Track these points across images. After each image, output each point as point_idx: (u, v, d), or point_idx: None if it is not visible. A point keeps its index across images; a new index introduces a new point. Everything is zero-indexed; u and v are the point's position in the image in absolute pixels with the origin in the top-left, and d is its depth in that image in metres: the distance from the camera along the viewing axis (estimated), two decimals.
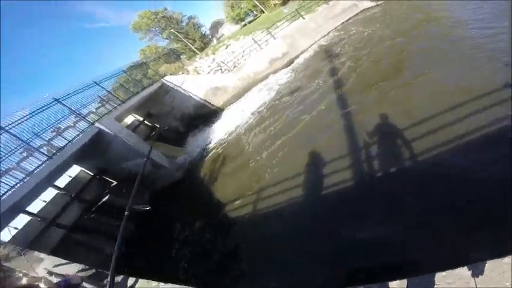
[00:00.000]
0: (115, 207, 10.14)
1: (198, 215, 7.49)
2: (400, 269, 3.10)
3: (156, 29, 45.72)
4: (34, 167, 7.85)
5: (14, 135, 7.88)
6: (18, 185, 7.25)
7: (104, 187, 11.32)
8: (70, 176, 11.32)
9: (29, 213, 8.72)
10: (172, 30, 44.39)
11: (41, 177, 7.60)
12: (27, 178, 7.46)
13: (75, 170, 11.44)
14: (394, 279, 2.07)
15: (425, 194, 3.86)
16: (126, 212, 4.58)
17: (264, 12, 45.12)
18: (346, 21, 15.63)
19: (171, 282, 3.01)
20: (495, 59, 5.30)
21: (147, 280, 3.01)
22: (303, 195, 5.48)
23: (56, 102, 9.48)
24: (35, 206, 9.16)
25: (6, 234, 7.70)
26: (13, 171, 7.62)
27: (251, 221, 5.93)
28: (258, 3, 44.70)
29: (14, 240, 7.13)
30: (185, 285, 2.87)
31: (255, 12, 53.23)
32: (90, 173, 11.58)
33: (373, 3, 16.55)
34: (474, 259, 1.88)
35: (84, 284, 2.14)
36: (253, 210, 6.17)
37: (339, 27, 15.25)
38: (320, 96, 8.71)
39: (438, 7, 9.53)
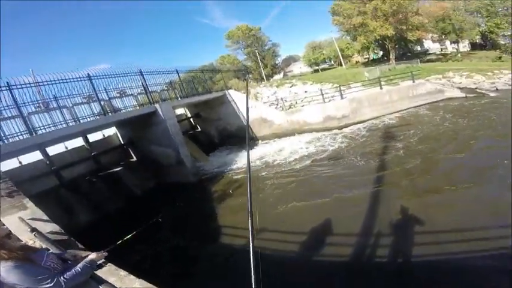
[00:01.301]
0: (120, 181, 10.58)
1: (189, 225, 7.48)
2: None
3: (243, 43, 49.76)
4: (82, 116, 8.68)
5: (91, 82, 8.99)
6: (59, 126, 7.93)
7: (123, 158, 11.87)
8: (103, 135, 12.24)
9: (44, 153, 9.36)
10: (255, 50, 47.81)
11: (81, 127, 8.40)
12: (71, 123, 8.30)
13: (110, 131, 12.35)
14: None
15: None
16: None
17: (341, 65, 47.26)
18: (424, 105, 15.27)
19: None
20: None
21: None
22: (295, 254, 5.35)
23: (139, 73, 10.82)
24: (54, 148, 9.96)
25: (12, 163, 8.15)
26: (64, 109, 8.38)
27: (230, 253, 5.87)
28: (341, 57, 46.92)
29: (12, 173, 7.57)
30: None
31: (332, 62, 55.43)
32: (121, 140, 12.38)
33: (462, 94, 16.43)
34: None
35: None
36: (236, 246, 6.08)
37: (412, 109, 14.91)
38: (354, 175, 8.42)
39: None
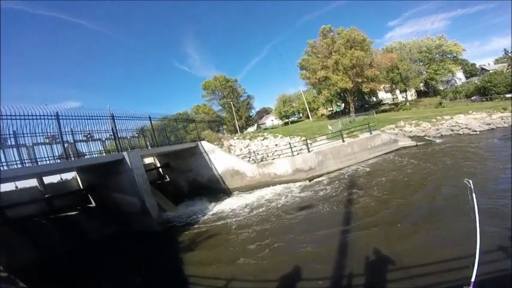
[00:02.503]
0: (74, 225, 10.08)
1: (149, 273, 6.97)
2: None
3: (219, 93, 51.76)
4: (43, 156, 8.34)
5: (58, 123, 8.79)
6: (16, 166, 7.52)
7: (81, 203, 11.33)
8: (61, 178, 11.65)
9: None
10: (230, 101, 49.52)
11: (38, 169, 7.95)
12: (28, 163, 7.88)
13: (69, 174, 11.84)
14: None
15: None
16: None
17: (309, 118, 50.40)
18: (381, 155, 16.37)
19: None
20: None
21: None
22: None
23: (110, 117, 10.78)
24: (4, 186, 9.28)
25: None
26: (23, 148, 8.09)
27: None
28: (308, 111, 50.35)
29: None
30: None
31: (301, 115, 59.17)
32: (81, 184, 11.81)
33: (413, 143, 17.96)
34: None
35: None
36: None
37: (372, 160, 15.91)
38: (324, 224, 8.57)
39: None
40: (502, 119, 21.46)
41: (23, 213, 9.18)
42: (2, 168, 7.38)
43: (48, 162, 8.44)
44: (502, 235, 5.39)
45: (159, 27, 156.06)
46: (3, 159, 7.57)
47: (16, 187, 10.09)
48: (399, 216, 7.77)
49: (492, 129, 19.88)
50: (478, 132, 19.25)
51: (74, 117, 9.44)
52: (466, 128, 20.59)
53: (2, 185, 8.91)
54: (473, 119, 22.47)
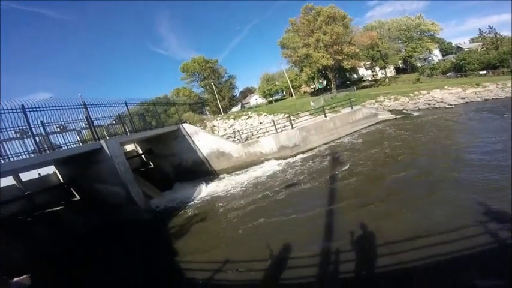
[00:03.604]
0: (61, 221, 9.82)
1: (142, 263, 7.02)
2: None
3: (199, 75, 50.10)
4: (16, 152, 7.79)
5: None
6: None
7: (64, 197, 10.92)
8: (39, 174, 11.11)
9: None
10: (211, 82, 48.11)
11: (11, 166, 7.42)
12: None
13: (48, 169, 11.29)
14: None
15: None
16: None
17: (292, 95, 50.54)
18: (362, 129, 16.86)
19: None
20: None
21: None
22: (257, 281, 5.26)
23: (82, 105, 10.09)
24: None
25: None
26: None
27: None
28: (291, 88, 50.32)
29: None
30: None
31: (284, 93, 59.24)
32: (61, 178, 11.31)
33: (392, 116, 18.71)
34: None
35: None
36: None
37: (354, 133, 16.39)
38: (311, 196, 8.86)
39: None
40: (475, 93, 22.53)
41: (5, 213, 8.69)
42: None
43: (21, 157, 7.87)
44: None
45: (129, 9, 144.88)
46: None
47: None
48: (379, 188, 8.14)
49: (466, 103, 20.88)
50: (453, 106, 20.12)
51: (43, 109, 8.74)
52: (442, 102, 21.42)
53: None
54: (449, 94, 23.39)
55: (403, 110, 22.26)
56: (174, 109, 19.34)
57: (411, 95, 25.39)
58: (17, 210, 9.14)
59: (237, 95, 61.11)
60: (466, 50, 48.69)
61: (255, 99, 67.44)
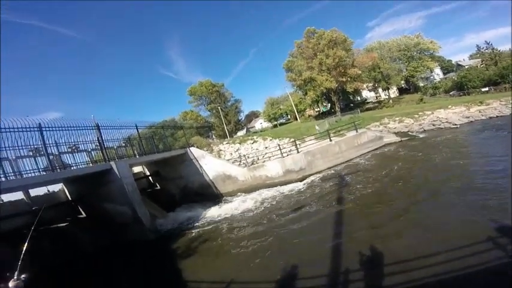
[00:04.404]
0: (66, 237, 9.73)
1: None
2: None
3: (206, 99, 50.85)
4: (28, 169, 8.02)
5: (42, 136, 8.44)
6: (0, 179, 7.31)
7: (70, 214, 11.03)
8: (48, 191, 11.34)
9: None
10: (218, 106, 48.85)
11: (23, 182, 7.65)
12: (12, 177, 7.56)
13: (56, 186, 11.54)
14: None
15: None
16: None
17: (297, 119, 50.98)
18: (367, 152, 16.69)
19: None
20: None
21: None
22: None
23: (95, 127, 10.52)
24: None
25: None
26: (6, 162, 7.77)
27: None
28: (296, 112, 50.91)
29: None
30: None
31: (289, 117, 59.78)
32: (69, 196, 11.51)
33: (397, 139, 18.48)
34: None
35: None
36: None
37: (359, 157, 16.20)
38: (317, 222, 8.71)
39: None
40: (479, 111, 22.53)
41: (11, 227, 8.83)
42: None
43: (33, 174, 8.15)
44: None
45: (142, 34, 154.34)
46: None
47: (2, 200, 9.72)
48: (386, 210, 8.02)
49: (471, 121, 20.81)
50: (458, 126, 20.07)
51: (57, 128, 9.12)
52: (446, 122, 21.44)
53: None
54: (453, 113, 23.45)
55: (408, 131, 22.27)
56: (181, 133, 19.81)
57: (416, 116, 25.54)
58: (22, 225, 9.23)
59: (243, 119, 61.95)
60: (466, 67, 49.30)
61: (260, 123, 68.45)
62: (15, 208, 9.57)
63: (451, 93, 41.52)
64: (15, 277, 2.23)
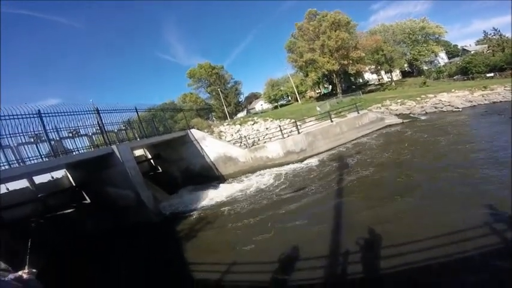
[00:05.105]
0: (72, 223, 9.96)
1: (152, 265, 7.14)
2: None
3: (205, 81, 50.58)
4: (30, 156, 8.04)
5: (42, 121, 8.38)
6: (3, 167, 7.33)
7: (75, 200, 11.19)
8: (52, 177, 11.42)
9: None
10: (218, 88, 48.74)
11: (27, 169, 7.67)
12: (15, 165, 7.58)
13: (60, 172, 11.61)
14: None
15: None
16: None
17: (297, 101, 50.69)
18: (369, 134, 16.76)
19: None
20: None
21: None
22: (264, 283, 5.30)
23: (95, 111, 10.40)
24: None
25: None
26: (8, 149, 7.77)
27: None
28: (297, 93, 50.46)
29: None
30: None
31: (290, 98, 59.33)
32: (72, 181, 11.59)
33: (399, 121, 18.54)
34: None
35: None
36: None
37: (360, 138, 16.28)
38: (318, 201, 8.89)
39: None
40: (482, 96, 22.29)
41: (18, 215, 9.02)
42: None
43: (35, 161, 8.17)
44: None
45: (138, 18, 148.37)
46: None
47: (7, 189, 9.81)
48: (386, 192, 8.10)
49: (474, 106, 20.67)
50: (460, 109, 19.93)
51: (57, 114, 9.05)
52: (449, 105, 21.26)
53: None
54: (456, 97, 23.20)
55: (410, 114, 22.16)
56: (181, 115, 19.65)
57: (418, 98, 25.27)
58: (29, 213, 9.44)
59: (243, 101, 61.42)
60: (472, 52, 48.29)
61: (260, 105, 67.79)
62: (22, 196, 9.67)
63: (455, 77, 41.05)
64: (25, 269, 2.30)
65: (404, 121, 18.56)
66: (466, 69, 39.74)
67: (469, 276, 4.20)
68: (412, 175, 8.97)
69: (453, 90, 25.73)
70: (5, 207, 8.86)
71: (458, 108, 20.22)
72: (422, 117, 19.68)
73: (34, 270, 2.32)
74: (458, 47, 64.32)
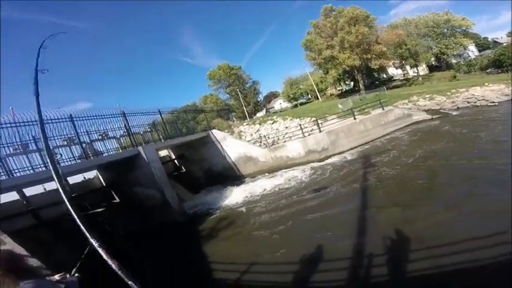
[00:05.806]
0: (103, 222, 10.41)
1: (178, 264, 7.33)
2: None
3: (225, 82, 51.22)
4: (64, 158, 8.59)
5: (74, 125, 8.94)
6: (40, 169, 7.72)
7: (106, 199, 11.68)
8: (84, 178, 12.00)
9: (21, 194, 9.17)
10: (237, 89, 49.21)
11: (61, 171, 8.13)
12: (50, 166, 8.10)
13: (91, 173, 12.20)
14: None
15: None
16: None
17: (318, 98, 49.74)
18: (395, 131, 16.06)
19: None
20: None
21: None
22: (286, 284, 5.27)
23: (121, 114, 10.92)
24: (33, 189, 9.71)
25: None
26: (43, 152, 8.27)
27: None
28: (317, 91, 49.58)
29: None
30: None
31: (310, 96, 58.33)
32: (103, 182, 12.14)
33: (428, 116, 17.58)
34: None
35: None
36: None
37: (386, 136, 15.58)
38: (341, 200, 8.67)
39: None
40: None
41: (54, 214, 9.58)
42: (28, 172, 7.67)
43: (69, 163, 8.71)
44: None
45: (156, 22, 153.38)
46: (28, 164, 7.85)
47: (44, 189, 10.50)
48: (414, 193, 7.71)
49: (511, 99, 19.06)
50: (496, 104, 18.46)
51: (87, 118, 9.70)
52: (483, 99, 19.78)
53: (28, 188, 9.37)
54: (490, 91, 21.51)
55: (439, 109, 20.87)
56: (202, 116, 20.06)
57: (448, 93, 23.75)
58: (64, 212, 10.02)
59: (261, 100, 61.49)
60: (504, 44, 44.74)
61: (279, 104, 67.36)
62: (58, 196, 10.29)
63: (488, 70, 38.25)
64: (72, 273, 2.40)
65: (433, 117, 17.60)
66: (500, 62, 36.92)
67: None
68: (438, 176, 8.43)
69: (486, 83, 23.92)
70: (44, 206, 9.46)
71: (494, 102, 18.76)
72: (454, 113, 18.51)
73: (77, 275, 2.42)
74: (489, 39, 60.02)
